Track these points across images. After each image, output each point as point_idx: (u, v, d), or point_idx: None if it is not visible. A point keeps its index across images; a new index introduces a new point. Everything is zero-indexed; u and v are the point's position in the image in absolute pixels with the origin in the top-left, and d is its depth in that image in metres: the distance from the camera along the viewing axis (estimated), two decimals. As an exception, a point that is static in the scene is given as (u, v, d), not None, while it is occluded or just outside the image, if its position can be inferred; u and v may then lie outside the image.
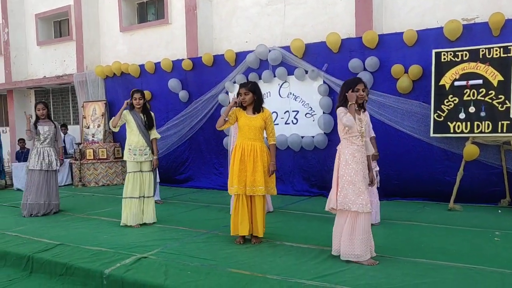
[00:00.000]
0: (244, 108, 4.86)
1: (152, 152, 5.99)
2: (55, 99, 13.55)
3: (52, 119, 7.23)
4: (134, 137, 5.87)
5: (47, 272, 4.46)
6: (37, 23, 13.05)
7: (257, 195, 4.75)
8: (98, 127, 10.83)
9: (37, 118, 6.91)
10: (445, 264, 3.94)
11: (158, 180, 6.79)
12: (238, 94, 4.91)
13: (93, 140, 10.79)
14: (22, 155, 10.97)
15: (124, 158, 5.96)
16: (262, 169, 4.70)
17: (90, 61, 11.65)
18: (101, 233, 5.52)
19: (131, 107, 5.97)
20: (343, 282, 3.52)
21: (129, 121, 5.90)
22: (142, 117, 5.95)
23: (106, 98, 10.93)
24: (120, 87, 10.48)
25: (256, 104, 4.83)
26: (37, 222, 6.34)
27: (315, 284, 3.52)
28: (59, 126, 7.31)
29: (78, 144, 10.85)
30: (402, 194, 7.26)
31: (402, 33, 7.02)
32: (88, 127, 10.96)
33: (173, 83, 9.38)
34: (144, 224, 5.91)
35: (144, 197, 5.93)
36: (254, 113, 4.83)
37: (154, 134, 6.07)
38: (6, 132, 13.85)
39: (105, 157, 10.38)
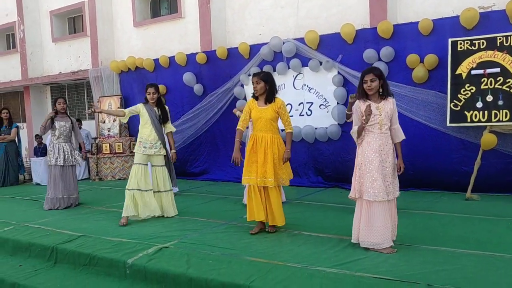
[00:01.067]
0: (257, 99, 4.87)
1: (164, 146, 5.95)
2: (71, 95, 13.71)
3: (69, 114, 7.33)
4: (146, 131, 5.83)
5: (71, 262, 4.56)
6: (52, 20, 13.19)
7: (269, 187, 4.77)
8: (113, 121, 10.94)
9: (56, 113, 7.03)
10: (465, 252, 3.95)
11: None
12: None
13: (109, 134, 10.92)
14: (39, 150, 11.14)
15: (134, 150, 5.96)
16: (272, 160, 4.70)
17: (104, 56, 11.76)
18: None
19: (146, 101, 5.92)
20: (363, 270, 3.56)
21: (143, 114, 5.87)
22: (157, 111, 5.93)
23: (121, 92, 11.03)
24: (135, 82, 10.58)
25: (268, 94, 4.81)
26: (58, 215, 6.47)
27: (335, 271, 3.56)
28: (75, 122, 7.38)
29: (95, 138, 10.98)
30: (418, 185, 7.25)
31: (417, 22, 6.97)
32: (104, 122, 11.10)
33: (188, 77, 9.43)
34: (159, 217, 5.89)
35: (160, 191, 5.91)
36: (265, 104, 4.80)
37: (170, 127, 6.07)
38: (23, 128, 14.06)
39: (121, 151, 10.50)
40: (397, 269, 3.54)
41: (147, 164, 5.86)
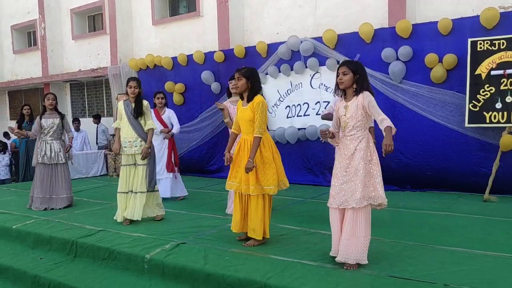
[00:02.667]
0: (242, 98, 4.51)
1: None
2: (90, 92, 13.92)
3: (59, 111, 6.94)
4: (123, 129, 5.54)
5: (91, 256, 4.66)
6: (72, 18, 13.41)
7: (251, 195, 4.33)
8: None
9: (44, 110, 6.76)
10: (482, 253, 3.94)
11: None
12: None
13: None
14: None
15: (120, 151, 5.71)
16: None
17: (123, 54, 11.91)
18: (139, 220, 5.64)
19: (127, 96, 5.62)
20: (379, 269, 3.58)
21: (121, 112, 5.57)
22: (133, 106, 5.52)
23: (139, 90, 11.15)
24: (154, 80, 10.67)
25: (250, 92, 4.38)
26: (76, 210, 6.56)
27: (351, 270, 3.57)
28: (64, 118, 6.94)
29: (113, 135, 11.13)
30: (436, 185, 7.19)
31: (436, 22, 6.91)
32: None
33: (206, 75, 9.49)
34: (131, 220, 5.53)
35: (131, 192, 5.55)
36: (247, 103, 4.39)
37: (149, 124, 5.57)
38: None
39: (139, 148, 10.60)
40: (413, 269, 3.55)
41: (134, 164, 5.56)
